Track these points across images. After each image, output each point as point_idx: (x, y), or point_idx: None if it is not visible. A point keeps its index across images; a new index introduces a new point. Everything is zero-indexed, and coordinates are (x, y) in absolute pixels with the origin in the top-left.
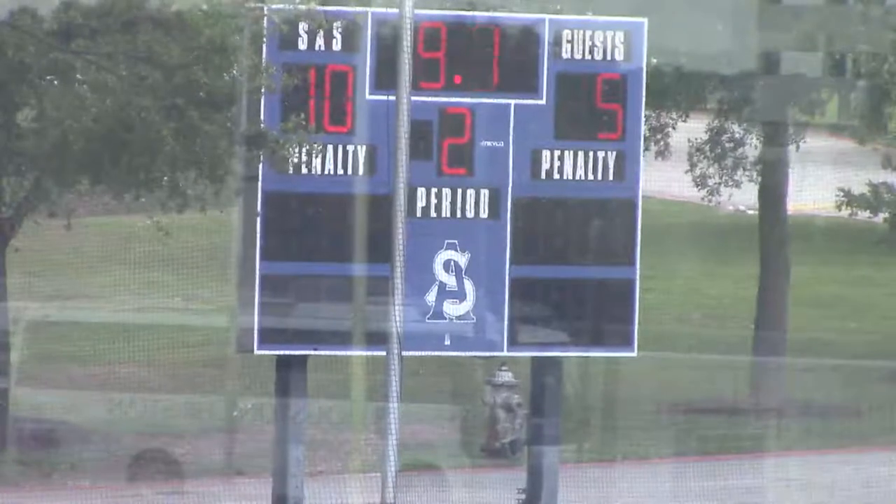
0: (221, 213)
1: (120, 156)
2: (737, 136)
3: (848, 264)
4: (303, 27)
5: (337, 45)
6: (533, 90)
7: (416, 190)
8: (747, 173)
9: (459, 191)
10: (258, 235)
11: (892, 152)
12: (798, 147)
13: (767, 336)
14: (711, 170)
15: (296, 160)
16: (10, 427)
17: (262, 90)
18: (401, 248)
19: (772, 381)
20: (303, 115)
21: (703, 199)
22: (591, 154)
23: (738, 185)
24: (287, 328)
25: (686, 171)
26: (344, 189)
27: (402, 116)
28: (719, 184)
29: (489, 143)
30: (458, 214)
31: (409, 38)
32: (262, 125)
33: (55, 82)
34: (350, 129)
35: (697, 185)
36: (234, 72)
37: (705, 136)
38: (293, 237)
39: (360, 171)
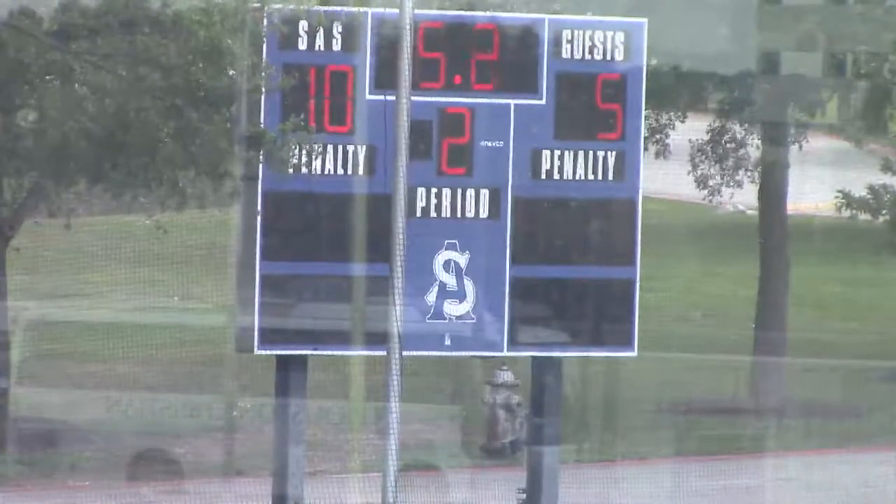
0: (220, 212)
1: (119, 156)
2: (738, 136)
3: (848, 264)
4: (302, 27)
5: (337, 45)
6: (533, 90)
7: (415, 190)
8: (749, 174)
9: (459, 191)
10: (258, 235)
11: (891, 153)
12: (801, 147)
13: (767, 336)
14: (713, 170)
15: (295, 161)
16: (10, 427)
17: (263, 90)
18: (401, 248)
19: (772, 381)
20: (302, 116)
21: (704, 199)
22: (591, 154)
23: (739, 185)
24: (287, 328)
25: (688, 173)
26: (344, 189)
27: (402, 116)
28: (721, 184)
29: (489, 143)
30: (458, 214)
31: (409, 38)
32: (261, 125)
33: (55, 82)
34: (350, 129)
35: (699, 186)
36: (233, 72)
37: (706, 137)
38: (293, 237)
39: (360, 171)
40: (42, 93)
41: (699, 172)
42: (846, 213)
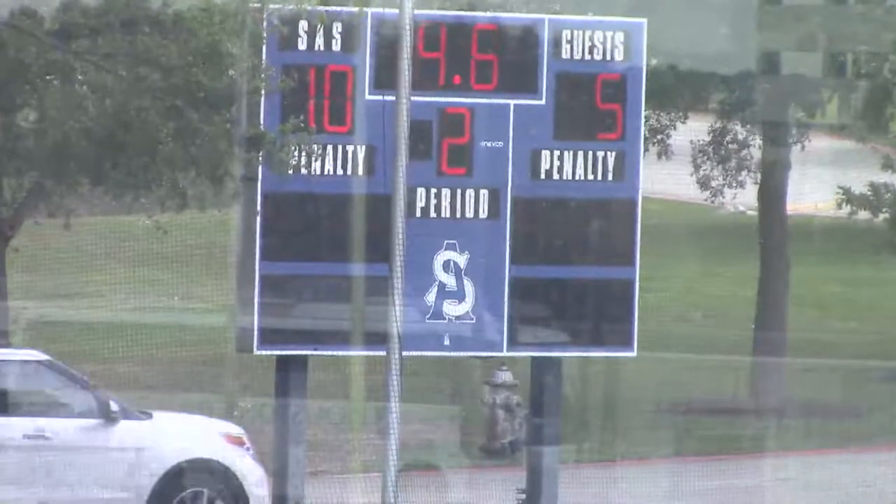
0: (219, 212)
1: (119, 156)
2: (739, 137)
3: (848, 264)
4: (302, 27)
5: (337, 45)
6: (533, 90)
7: (415, 190)
8: (751, 175)
9: (459, 191)
10: (258, 235)
11: (892, 153)
12: (803, 147)
13: (767, 336)
14: (715, 171)
15: (295, 161)
16: None
17: (262, 91)
18: (401, 248)
19: (772, 381)
20: (302, 118)
21: (706, 200)
22: (590, 154)
23: (741, 185)
24: (287, 328)
25: (691, 174)
26: (344, 189)
27: (401, 116)
28: (723, 185)
29: (489, 144)
30: (458, 214)
31: (409, 38)
32: (261, 127)
33: (55, 82)
34: (350, 129)
35: (702, 188)
36: (233, 73)
37: (706, 137)
38: (293, 237)
39: (360, 172)
40: (43, 93)
41: (701, 174)
42: (846, 208)
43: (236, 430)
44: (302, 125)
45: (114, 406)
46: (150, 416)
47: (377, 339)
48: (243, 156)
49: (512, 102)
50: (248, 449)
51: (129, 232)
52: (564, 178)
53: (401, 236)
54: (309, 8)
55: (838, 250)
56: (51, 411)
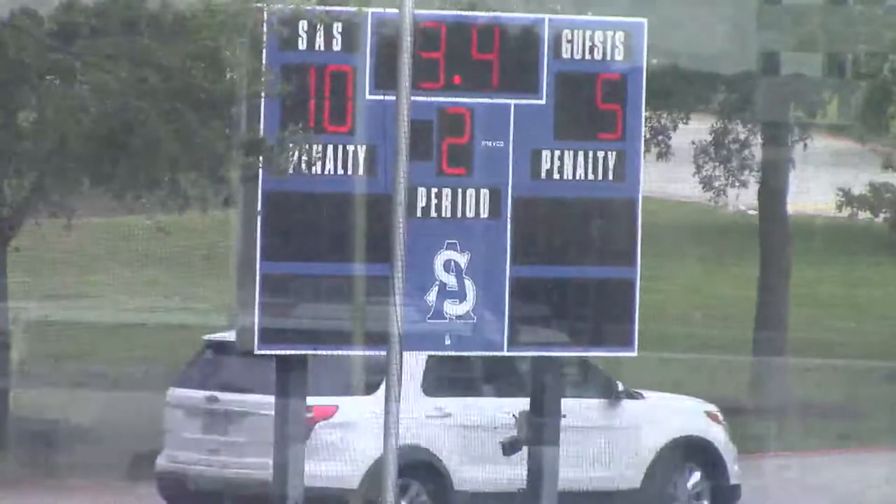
0: (220, 213)
1: (120, 157)
2: (740, 137)
3: (848, 264)
4: (302, 27)
5: (337, 45)
6: (533, 90)
7: (415, 190)
8: (753, 175)
9: (459, 191)
10: (258, 235)
11: (892, 153)
12: (805, 146)
13: (767, 336)
14: (717, 172)
15: (294, 161)
16: (10, 427)
17: (262, 93)
18: (401, 247)
19: (772, 381)
20: (301, 125)
21: (709, 200)
22: (591, 154)
23: (744, 185)
24: (287, 328)
25: (693, 174)
26: (344, 189)
27: (402, 116)
28: (725, 185)
29: (489, 143)
30: (458, 214)
31: (409, 38)
32: (260, 133)
33: (55, 83)
34: (350, 129)
35: (704, 187)
36: (233, 75)
37: (707, 137)
38: (293, 237)
39: (360, 171)
40: (43, 93)
41: (703, 174)
42: (846, 210)
43: (714, 408)
44: (301, 131)
45: (619, 386)
46: (643, 396)
47: (377, 338)
48: (242, 160)
49: (512, 102)
50: (723, 425)
51: (131, 233)
52: (565, 177)
53: (402, 236)
54: (309, 8)
55: (838, 250)
56: (570, 391)
